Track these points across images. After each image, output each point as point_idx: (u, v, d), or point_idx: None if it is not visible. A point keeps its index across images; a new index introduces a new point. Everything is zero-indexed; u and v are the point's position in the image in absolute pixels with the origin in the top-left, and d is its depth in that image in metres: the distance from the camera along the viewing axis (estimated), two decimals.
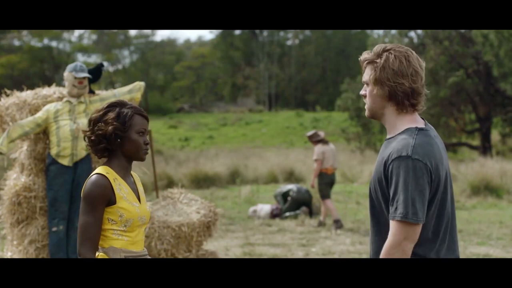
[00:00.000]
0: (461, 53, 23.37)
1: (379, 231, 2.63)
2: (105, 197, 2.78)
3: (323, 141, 10.55)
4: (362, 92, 2.70)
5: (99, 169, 2.85)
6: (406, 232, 2.45)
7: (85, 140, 2.92)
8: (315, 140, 10.60)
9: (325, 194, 10.50)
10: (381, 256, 2.49)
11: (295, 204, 11.28)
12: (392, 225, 2.48)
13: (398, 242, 2.46)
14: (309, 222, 10.82)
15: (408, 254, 2.47)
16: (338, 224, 10.21)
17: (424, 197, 2.47)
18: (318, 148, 10.45)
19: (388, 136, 2.66)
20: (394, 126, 2.63)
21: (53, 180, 5.74)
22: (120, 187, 2.84)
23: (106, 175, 2.81)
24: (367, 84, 2.65)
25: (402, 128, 2.60)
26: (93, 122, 2.89)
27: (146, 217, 2.92)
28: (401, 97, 2.57)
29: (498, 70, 21.51)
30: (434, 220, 2.55)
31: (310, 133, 10.85)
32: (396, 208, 2.46)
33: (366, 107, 2.70)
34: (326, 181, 10.44)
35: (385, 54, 2.58)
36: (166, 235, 5.86)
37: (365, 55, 2.65)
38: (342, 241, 9.05)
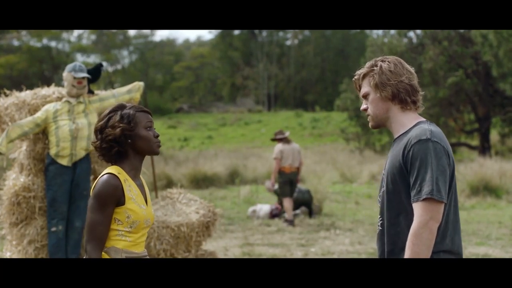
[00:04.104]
0: (460, 53, 23.37)
1: (399, 222, 2.65)
2: (115, 197, 2.78)
3: (285, 140, 10.87)
4: (363, 106, 2.84)
5: (111, 169, 2.84)
6: (431, 211, 2.53)
7: (96, 151, 2.91)
8: (277, 138, 10.97)
9: (283, 192, 10.82)
10: (410, 237, 2.55)
11: (295, 204, 11.29)
12: (418, 206, 2.55)
13: (425, 221, 2.53)
14: (308, 222, 10.83)
15: (434, 234, 2.54)
16: (289, 223, 10.58)
17: (445, 177, 2.57)
18: (277, 147, 10.82)
19: (397, 135, 2.75)
20: (402, 124, 2.74)
21: (52, 180, 5.74)
22: (130, 188, 2.84)
23: (118, 175, 2.82)
24: (366, 98, 2.80)
25: (411, 124, 2.72)
26: (99, 131, 2.89)
27: (151, 220, 2.94)
28: (403, 94, 2.72)
29: (497, 70, 21.51)
30: (452, 209, 2.64)
31: (276, 131, 11.21)
32: (420, 189, 2.55)
33: (369, 118, 2.82)
34: (284, 179, 10.75)
35: (379, 63, 2.77)
36: (165, 235, 5.86)
37: (359, 71, 2.83)
38: (341, 241, 9.05)
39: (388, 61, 2.74)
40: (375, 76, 2.73)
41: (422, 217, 2.53)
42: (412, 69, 2.77)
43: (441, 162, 2.57)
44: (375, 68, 2.75)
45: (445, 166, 2.58)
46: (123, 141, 2.85)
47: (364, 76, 2.80)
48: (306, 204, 11.62)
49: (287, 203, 10.72)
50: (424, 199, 2.53)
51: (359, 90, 2.84)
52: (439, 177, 2.54)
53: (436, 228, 2.54)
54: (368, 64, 2.80)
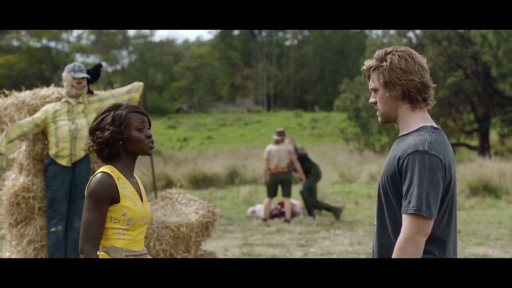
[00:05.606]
0: (460, 53, 23.38)
1: (387, 225, 2.63)
2: (109, 195, 2.80)
3: (275, 141, 11.20)
4: (371, 99, 2.73)
5: (104, 168, 2.87)
6: (418, 226, 2.47)
7: (90, 151, 2.94)
8: (273, 137, 11.39)
9: (267, 192, 11.19)
10: (395, 250, 2.51)
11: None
12: (406, 219, 2.50)
13: (411, 236, 2.48)
14: (307, 222, 10.84)
15: (421, 248, 2.49)
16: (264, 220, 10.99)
17: (438, 193, 2.50)
18: (267, 147, 11.32)
19: (401, 134, 2.69)
20: (407, 124, 2.66)
21: (51, 180, 5.74)
22: (124, 186, 2.86)
23: (111, 173, 2.83)
24: (375, 91, 2.69)
25: (416, 126, 2.64)
26: (92, 132, 2.92)
27: (147, 217, 2.94)
28: (414, 93, 2.61)
29: (497, 70, 21.52)
30: (445, 219, 2.58)
31: (278, 130, 11.46)
32: (409, 201, 2.49)
33: (378, 113, 2.73)
34: (271, 179, 11.12)
35: (388, 56, 2.62)
36: (164, 236, 5.86)
37: (368, 63, 2.69)
38: (340, 242, 9.05)
39: (399, 56, 2.59)
40: (385, 73, 2.60)
41: (409, 231, 2.48)
42: (424, 61, 2.63)
43: (436, 177, 2.49)
44: (384, 63, 2.61)
45: (439, 181, 2.50)
46: (112, 144, 2.86)
47: (374, 69, 2.66)
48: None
49: (266, 201, 11.08)
50: (412, 213, 2.48)
51: (368, 79, 2.71)
52: (430, 192, 2.47)
53: (423, 242, 2.49)
54: (377, 54, 2.66)
